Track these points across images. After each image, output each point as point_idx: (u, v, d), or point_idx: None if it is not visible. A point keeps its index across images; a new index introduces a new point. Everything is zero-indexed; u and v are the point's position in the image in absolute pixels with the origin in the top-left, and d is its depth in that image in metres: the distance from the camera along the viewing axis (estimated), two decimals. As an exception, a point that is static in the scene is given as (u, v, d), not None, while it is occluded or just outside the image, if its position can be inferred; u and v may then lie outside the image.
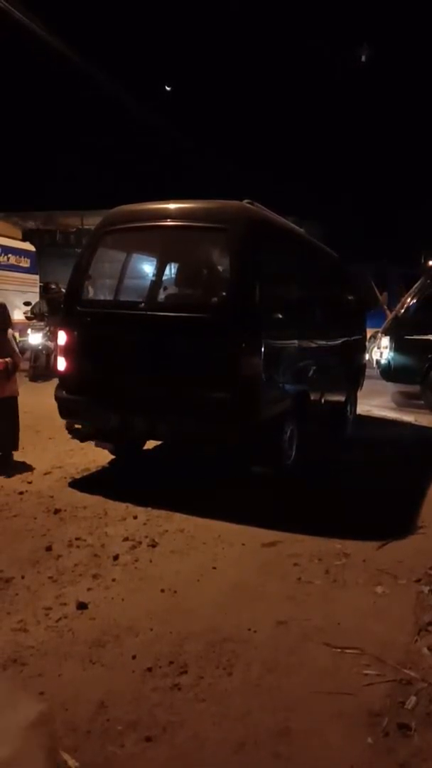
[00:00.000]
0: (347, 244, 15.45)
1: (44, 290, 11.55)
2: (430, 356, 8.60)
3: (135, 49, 21.36)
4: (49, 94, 21.85)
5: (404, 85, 21.91)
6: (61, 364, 4.76)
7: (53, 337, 9.39)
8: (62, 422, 4.88)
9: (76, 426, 4.79)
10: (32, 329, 10.71)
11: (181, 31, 23.02)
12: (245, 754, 1.99)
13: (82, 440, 4.98)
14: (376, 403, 9.12)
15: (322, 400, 5.87)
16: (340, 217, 21.58)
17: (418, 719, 2.16)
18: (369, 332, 9.44)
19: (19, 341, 12.02)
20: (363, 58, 18.99)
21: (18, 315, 12.25)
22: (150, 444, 5.60)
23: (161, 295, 4.88)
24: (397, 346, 8.84)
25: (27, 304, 11.50)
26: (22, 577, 3.12)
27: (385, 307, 12.58)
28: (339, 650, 2.57)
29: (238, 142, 23.70)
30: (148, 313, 4.58)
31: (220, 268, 4.90)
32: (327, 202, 22.11)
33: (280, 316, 4.73)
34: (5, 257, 13.32)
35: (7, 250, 13.39)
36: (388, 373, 9.04)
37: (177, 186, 10.34)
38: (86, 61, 13.08)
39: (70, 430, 4.82)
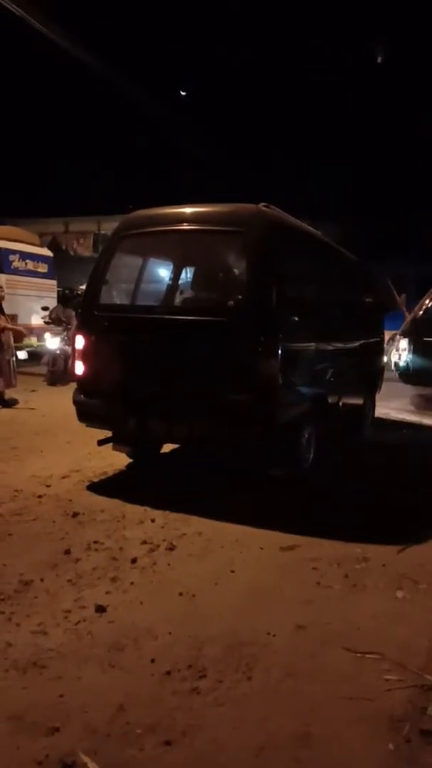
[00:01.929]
0: (365, 245, 15.38)
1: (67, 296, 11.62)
2: (449, 358, 8.52)
3: (149, 55, 21.49)
4: (68, 101, 22.10)
5: (421, 83, 21.76)
6: (79, 368, 4.79)
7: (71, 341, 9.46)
8: (80, 426, 4.91)
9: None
10: (50, 334, 10.80)
11: (196, 35, 23.11)
12: (265, 758, 1.98)
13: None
14: (394, 405, 9.05)
15: (340, 403, 5.84)
16: (358, 219, 21.49)
17: (441, 726, 2.13)
18: (388, 334, 9.37)
19: (37, 345, 12.18)
20: (379, 59, 18.90)
21: (36, 320, 12.39)
22: (167, 447, 5.61)
23: (178, 299, 4.89)
24: (416, 348, 8.77)
25: (45, 309, 11.60)
26: (42, 580, 3.13)
27: (404, 308, 12.50)
28: (359, 655, 2.55)
29: (254, 145, 23.74)
30: (165, 316, 4.59)
31: (236, 271, 4.90)
32: (344, 204, 22.02)
33: (298, 319, 4.71)
34: (23, 263, 13.47)
35: (25, 255, 13.55)
36: (407, 375, 8.98)
37: (193, 190, 10.36)
38: (96, 60, 13.21)
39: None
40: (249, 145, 23.33)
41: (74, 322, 10.01)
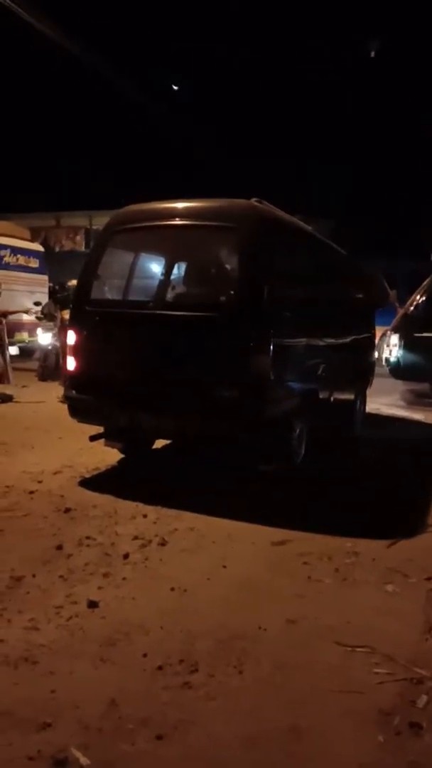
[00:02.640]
0: (356, 240, 15.40)
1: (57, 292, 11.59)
2: (439, 354, 8.56)
3: (143, 48, 21.37)
4: (57, 93, 21.95)
5: (413, 79, 21.77)
6: (71, 363, 4.78)
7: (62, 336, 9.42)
8: (72, 421, 4.90)
9: None
10: (42, 329, 10.76)
11: (188, 28, 23.02)
12: (256, 751, 1.99)
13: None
14: (385, 401, 9.09)
15: (332, 398, 5.86)
16: (350, 214, 21.51)
17: (430, 718, 2.15)
18: (380, 330, 9.39)
19: (29, 341, 12.15)
20: (372, 54, 18.91)
21: (28, 315, 12.32)
22: (159, 443, 5.61)
23: (170, 294, 4.89)
24: (407, 343, 8.81)
25: (37, 304, 11.55)
26: (33, 576, 3.13)
27: (396, 304, 12.51)
28: (349, 648, 2.57)
29: (246, 140, 23.68)
30: (157, 312, 4.58)
31: (228, 266, 4.90)
32: (336, 200, 22.04)
33: (290, 314, 4.72)
34: (14, 258, 13.38)
35: (16, 250, 13.46)
36: (398, 371, 9.01)
37: (185, 185, 10.34)
38: (90, 57, 13.12)
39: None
40: (241, 141, 23.26)
41: (58, 316, 10.00)
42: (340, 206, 21.70)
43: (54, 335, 10.49)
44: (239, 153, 21.35)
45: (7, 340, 9.98)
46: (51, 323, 10.71)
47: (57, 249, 20.73)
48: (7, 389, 8.40)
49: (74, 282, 10.08)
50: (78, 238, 21.40)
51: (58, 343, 10.15)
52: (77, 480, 4.80)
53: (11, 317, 10.81)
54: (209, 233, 4.78)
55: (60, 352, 9.68)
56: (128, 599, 2.95)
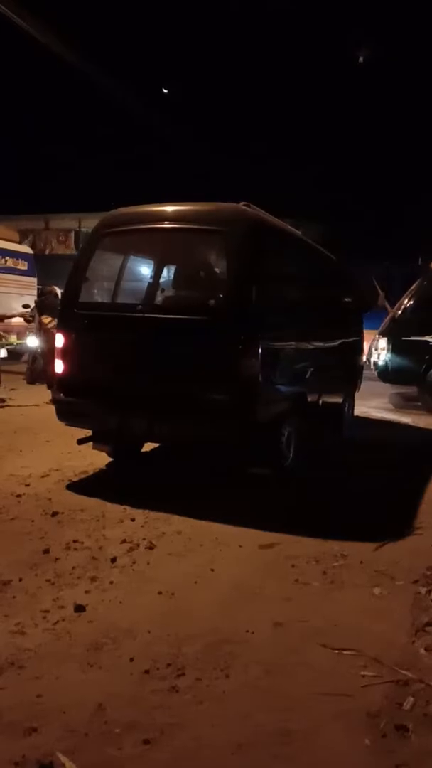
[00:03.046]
0: (348, 244, 15.49)
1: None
2: (427, 357, 8.63)
3: (134, 49, 21.40)
4: (47, 94, 21.90)
5: (405, 84, 21.94)
6: (59, 366, 4.76)
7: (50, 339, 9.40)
8: (60, 425, 4.88)
9: None
10: (30, 332, 10.73)
11: (180, 31, 23.05)
12: (244, 755, 1.99)
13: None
14: (374, 404, 9.14)
15: (320, 402, 5.88)
16: (341, 218, 21.62)
17: (416, 720, 2.16)
18: (372, 334, 9.43)
19: (17, 344, 12.09)
20: (361, 59, 19.05)
21: (17, 318, 12.28)
22: (148, 446, 5.60)
23: (159, 297, 4.89)
24: (395, 347, 8.86)
25: (26, 306, 11.50)
26: (20, 580, 3.11)
27: (387, 305, 12.56)
28: (337, 651, 2.57)
29: (237, 144, 23.75)
30: (146, 315, 4.58)
31: (217, 270, 4.91)
32: (327, 203, 22.13)
33: (278, 317, 4.73)
34: (3, 260, 13.34)
35: (4, 252, 13.41)
36: (386, 374, 9.06)
37: (175, 188, 10.35)
38: (85, 61, 13.12)
39: None
40: (231, 145, 23.33)
41: (37, 319, 9.98)
42: (334, 210, 21.81)
43: (38, 338, 10.47)
44: (231, 156, 21.43)
45: None
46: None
47: (47, 251, 20.65)
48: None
49: (53, 287, 10.10)
50: (68, 240, 21.32)
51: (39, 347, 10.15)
52: (65, 483, 4.78)
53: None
54: (198, 236, 4.79)
55: (42, 355, 9.67)
56: (116, 603, 2.93)
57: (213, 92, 23.34)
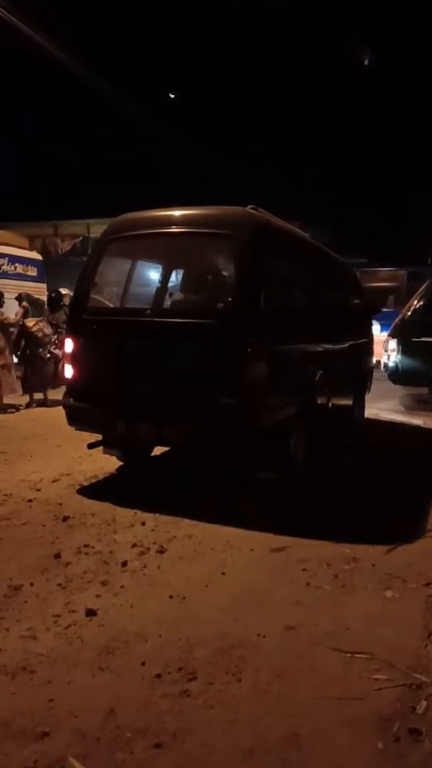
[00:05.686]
0: (356, 247, 15.47)
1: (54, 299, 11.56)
2: (437, 358, 8.57)
3: (138, 56, 21.49)
4: (54, 102, 22.03)
5: (404, 84, 21.90)
6: (68, 371, 4.78)
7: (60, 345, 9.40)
8: (70, 430, 4.90)
9: None
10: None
11: (184, 37, 23.16)
12: (254, 760, 1.98)
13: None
14: (384, 406, 9.09)
15: (329, 405, 5.85)
16: (348, 220, 21.58)
17: (429, 724, 2.14)
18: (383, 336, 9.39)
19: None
20: (366, 62, 19.02)
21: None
22: (158, 450, 5.61)
23: (167, 302, 4.89)
24: (405, 348, 8.81)
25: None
26: (31, 585, 3.13)
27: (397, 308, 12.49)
28: (348, 655, 2.56)
29: (243, 148, 23.78)
30: (154, 319, 4.59)
31: (225, 274, 4.91)
32: (335, 206, 22.11)
33: (286, 321, 4.72)
34: (12, 266, 13.41)
35: (14, 259, 13.49)
36: (396, 376, 9.01)
37: (181, 192, 10.38)
38: (88, 68, 13.21)
39: None
40: (238, 148, 23.35)
41: (45, 324, 9.96)
42: (341, 212, 21.78)
43: (52, 343, 10.47)
44: (237, 160, 21.46)
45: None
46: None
47: (60, 252, 20.71)
48: (13, 400, 8.43)
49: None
50: (74, 245, 21.39)
51: (57, 351, 10.13)
52: (75, 488, 4.80)
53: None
54: (205, 240, 4.79)
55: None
56: (126, 607, 2.94)
57: (213, 92, 23.39)
